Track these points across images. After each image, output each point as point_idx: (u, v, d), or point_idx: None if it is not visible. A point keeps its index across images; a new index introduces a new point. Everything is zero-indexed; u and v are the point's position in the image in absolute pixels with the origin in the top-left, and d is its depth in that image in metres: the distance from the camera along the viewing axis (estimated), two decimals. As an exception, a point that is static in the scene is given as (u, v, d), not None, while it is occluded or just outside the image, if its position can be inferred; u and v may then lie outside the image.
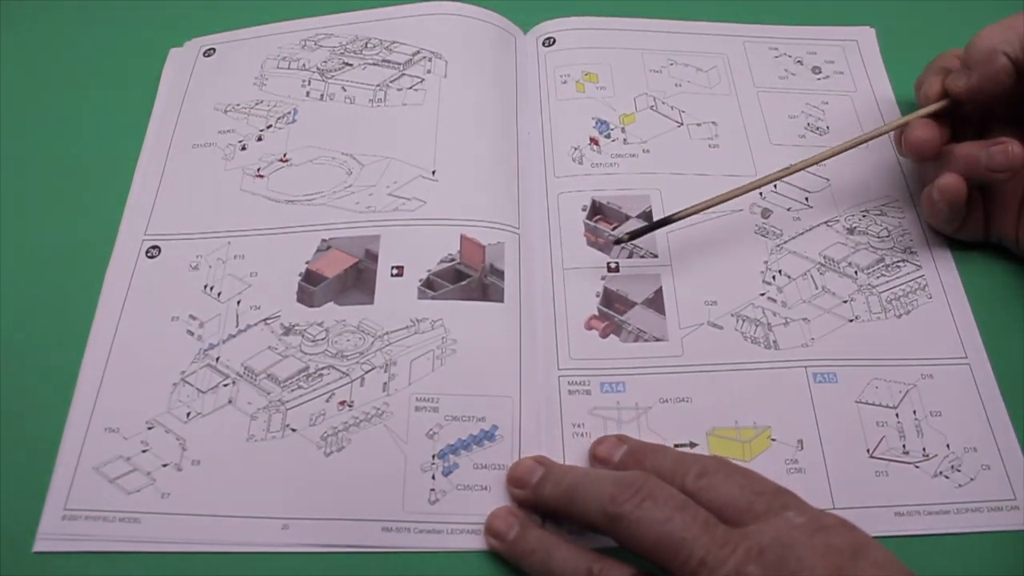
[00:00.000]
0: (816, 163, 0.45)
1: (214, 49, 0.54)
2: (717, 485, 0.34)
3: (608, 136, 0.50)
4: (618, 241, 0.44)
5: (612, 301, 0.44)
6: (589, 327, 0.43)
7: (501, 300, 0.43)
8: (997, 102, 0.44)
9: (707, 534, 0.32)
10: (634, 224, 0.46)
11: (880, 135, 0.46)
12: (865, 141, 0.45)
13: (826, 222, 0.47)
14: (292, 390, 0.41)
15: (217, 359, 0.42)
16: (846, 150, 0.45)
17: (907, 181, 0.49)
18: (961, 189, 0.43)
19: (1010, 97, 0.43)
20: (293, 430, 0.40)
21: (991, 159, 0.42)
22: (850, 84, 0.53)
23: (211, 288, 0.45)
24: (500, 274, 0.44)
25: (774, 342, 0.43)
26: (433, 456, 0.39)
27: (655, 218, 0.46)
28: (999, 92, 0.43)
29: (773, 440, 0.40)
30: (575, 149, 0.49)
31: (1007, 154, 0.42)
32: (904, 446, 0.40)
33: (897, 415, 0.41)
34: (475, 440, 0.39)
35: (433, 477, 0.39)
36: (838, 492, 0.39)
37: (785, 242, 0.46)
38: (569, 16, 0.55)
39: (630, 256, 0.45)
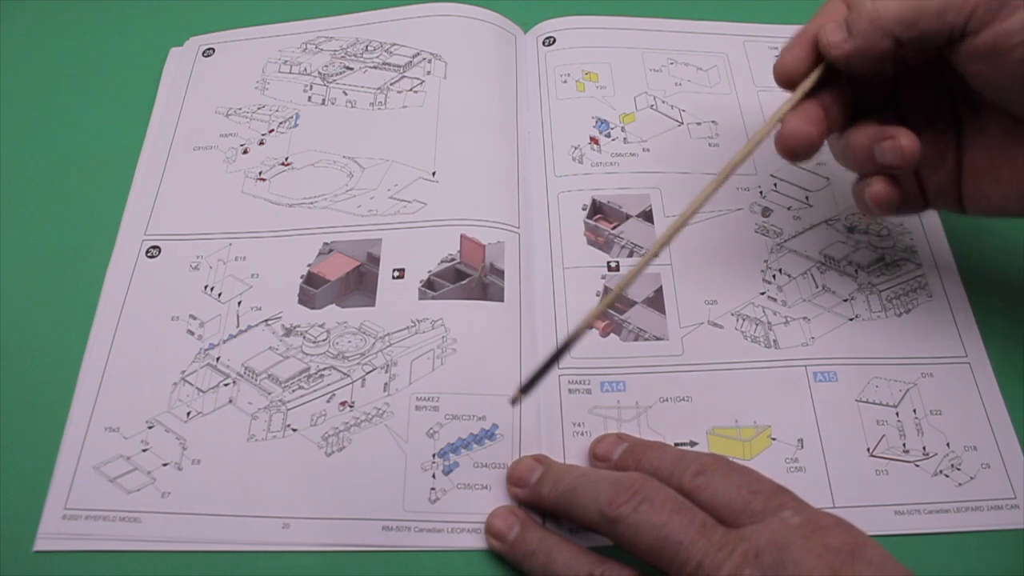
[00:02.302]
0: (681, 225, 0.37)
1: (213, 49, 0.55)
2: (714, 483, 0.34)
3: (608, 135, 0.50)
4: (514, 401, 0.38)
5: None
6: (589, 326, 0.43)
7: (501, 299, 0.43)
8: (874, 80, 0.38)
9: (704, 537, 0.32)
10: (635, 223, 0.46)
11: (756, 145, 0.37)
12: (743, 159, 0.38)
13: (826, 221, 0.47)
14: (293, 390, 0.41)
15: (217, 359, 0.42)
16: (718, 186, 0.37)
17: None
18: (894, 197, 0.38)
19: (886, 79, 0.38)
20: (294, 430, 0.40)
21: (883, 156, 0.37)
22: (850, 83, 0.53)
23: (211, 289, 0.45)
24: (500, 273, 0.44)
25: (774, 341, 0.43)
26: (433, 455, 0.39)
27: (654, 217, 0.47)
28: (876, 72, 0.38)
29: (773, 439, 0.40)
30: (575, 148, 0.49)
31: (898, 151, 0.36)
32: (904, 445, 0.40)
33: (897, 414, 0.41)
34: (475, 439, 0.39)
35: (433, 476, 0.39)
36: (838, 491, 0.39)
37: (785, 241, 0.46)
38: (569, 16, 0.55)
39: (631, 255, 0.45)
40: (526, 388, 0.37)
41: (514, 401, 0.39)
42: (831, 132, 0.38)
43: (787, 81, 0.38)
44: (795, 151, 0.37)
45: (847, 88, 0.38)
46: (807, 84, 0.38)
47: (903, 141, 0.36)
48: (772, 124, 0.38)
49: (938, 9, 0.34)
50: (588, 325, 0.37)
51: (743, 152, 0.38)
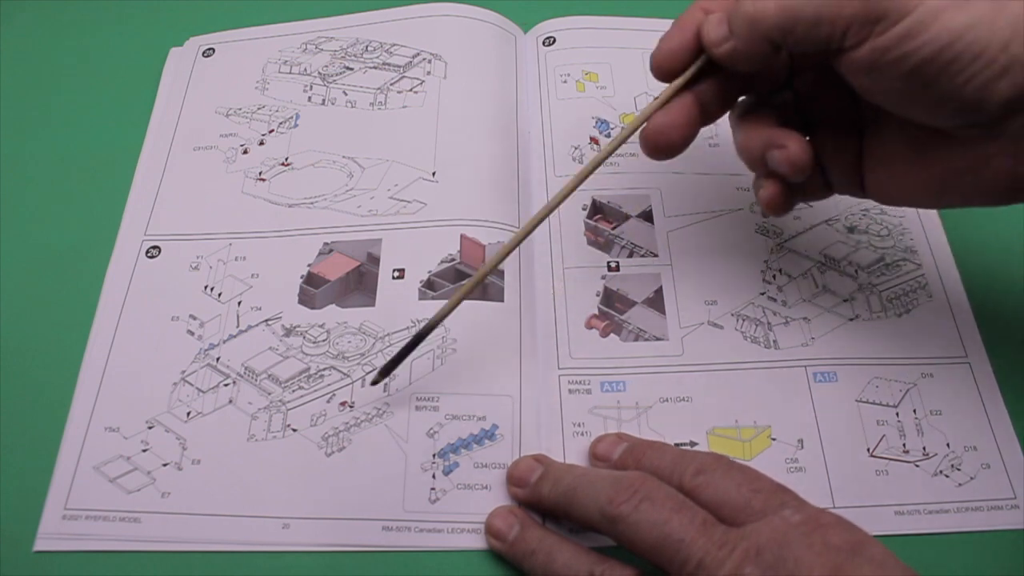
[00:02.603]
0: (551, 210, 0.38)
1: (213, 49, 0.55)
2: (715, 482, 0.34)
3: (608, 135, 0.50)
4: (374, 382, 0.40)
5: (612, 300, 0.44)
6: (589, 326, 0.43)
7: (501, 299, 0.43)
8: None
9: (705, 535, 0.32)
10: (635, 224, 0.46)
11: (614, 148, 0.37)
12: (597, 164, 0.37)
13: (826, 221, 0.47)
14: (293, 390, 0.41)
15: (218, 359, 0.42)
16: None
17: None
18: (787, 201, 0.37)
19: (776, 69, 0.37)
20: (294, 430, 0.40)
21: (773, 164, 0.36)
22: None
23: (211, 289, 0.45)
24: (500, 273, 0.44)
25: (774, 341, 0.43)
26: (433, 455, 0.39)
27: (654, 217, 0.47)
28: (763, 68, 0.36)
29: (773, 439, 0.40)
30: (575, 148, 0.49)
31: (788, 162, 0.35)
32: (904, 445, 0.40)
33: (897, 414, 0.41)
34: (475, 439, 0.39)
35: (433, 476, 0.39)
36: (838, 491, 0.39)
37: (785, 241, 0.46)
38: (569, 16, 0.55)
39: (631, 255, 0.45)
40: (385, 371, 0.39)
41: (374, 382, 0.39)
42: (707, 124, 0.37)
43: (664, 75, 0.37)
44: (657, 149, 0.36)
45: (734, 77, 0.37)
46: (681, 80, 0.36)
47: (793, 151, 0.35)
48: (639, 122, 0.36)
49: (812, 20, 0.32)
50: (444, 314, 0.38)
51: (601, 154, 0.37)
